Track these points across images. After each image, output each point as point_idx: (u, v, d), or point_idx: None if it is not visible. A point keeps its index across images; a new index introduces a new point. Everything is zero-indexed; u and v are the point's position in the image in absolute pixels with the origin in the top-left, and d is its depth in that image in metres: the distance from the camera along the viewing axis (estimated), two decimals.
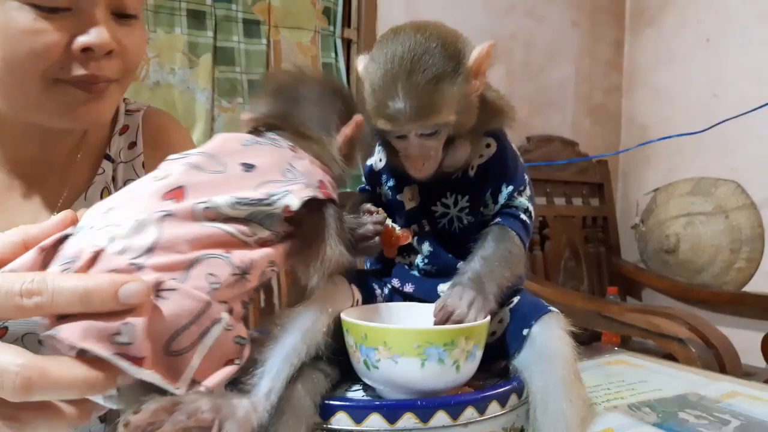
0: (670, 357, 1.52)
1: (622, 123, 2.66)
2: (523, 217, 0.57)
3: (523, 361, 0.52)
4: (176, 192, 0.42)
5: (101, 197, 0.75)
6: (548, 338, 0.51)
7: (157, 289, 0.38)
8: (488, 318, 0.50)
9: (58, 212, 0.71)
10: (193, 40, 1.58)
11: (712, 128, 2.08)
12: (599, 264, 2.40)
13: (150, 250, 0.39)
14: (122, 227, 0.39)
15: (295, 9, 1.74)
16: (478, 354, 0.49)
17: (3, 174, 0.71)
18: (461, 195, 0.58)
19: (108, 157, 0.78)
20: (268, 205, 0.44)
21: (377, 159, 0.64)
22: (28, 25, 0.58)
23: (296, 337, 0.46)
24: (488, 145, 0.58)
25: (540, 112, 2.40)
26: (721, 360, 1.44)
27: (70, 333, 0.37)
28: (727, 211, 2.19)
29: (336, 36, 1.84)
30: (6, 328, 0.66)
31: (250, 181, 0.45)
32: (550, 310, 0.54)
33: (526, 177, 0.59)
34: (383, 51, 0.53)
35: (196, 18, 1.58)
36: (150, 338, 0.37)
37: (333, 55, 1.83)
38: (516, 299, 0.56)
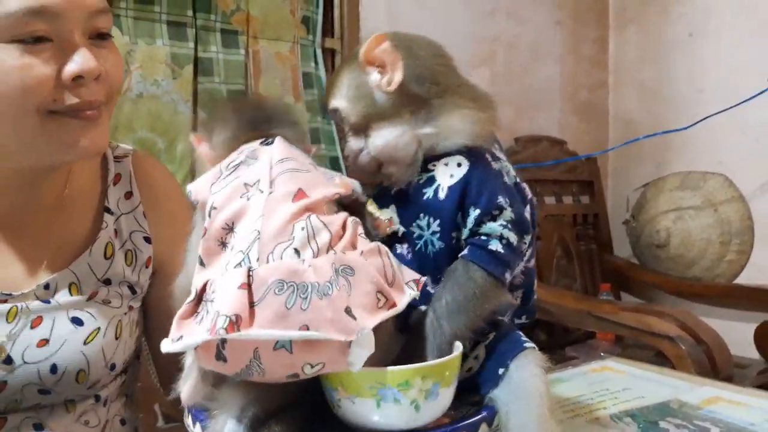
0: (662, 354, 1.53)
1: (609, 119, 2.66)
2: (493, 246, 0.53)
3: (500, 398, 0.51)
4: (300, 194, 0.50)
5: (105, 252, 0.74)
6: (525, 376, 0.51)
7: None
8: (451, 357, 0.49)
9: (46, 263, 0.70)
10: (175, 51, 1.57)
11: (698, 123, 2.08)
12: (591, 261, 2.40)
13: (331, 244, 0.48)
14: (295, 238, 0.46)
15: (273, 19, 1.73)
16: (443, 392, 0.48)
17: None
18: (432, 218, 0.55)
19: (108, 210, 0.77)
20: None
21: None
22: (15, 61, 0.59)
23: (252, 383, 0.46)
24: (459, 165, 0.56)
25: (526, 112, 2.40)
26: (711, 356, 1.44)
27: None
28: (716, 205, 2.19)
29: (316, 45, 1.83)
30: (5, 382, 0.66)
31: (323, 177, 0.55)
32: (525, 347, 0.53)
33: (503, 200, 0.54)
34: None
35: (177, 29, 1.57)
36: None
37: (313, 64, 1.83)
38: (491, 336, 0.55)
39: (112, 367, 0.73)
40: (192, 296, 0.46)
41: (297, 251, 0.46)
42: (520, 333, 0.55)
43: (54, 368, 0.68)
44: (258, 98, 0.66)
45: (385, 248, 0.50)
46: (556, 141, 2.42)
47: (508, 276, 0.53)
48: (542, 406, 0.50)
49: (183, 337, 0.44)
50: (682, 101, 2.35)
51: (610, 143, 2.62)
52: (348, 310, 0.43)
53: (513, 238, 0.53)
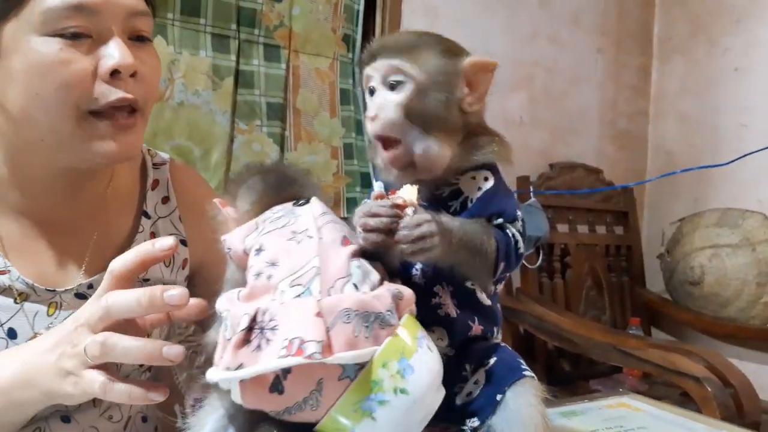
0: (688, 395, 1.48)
1: (648, 149, 2.62)
2: (509, 231, 0.57)
3: (496, 425, 0.51)
4: (346, 240, 0.53)
5: None
6: (521, 405, 0.50)
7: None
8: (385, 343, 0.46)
9: (88, 261, 0.72)
10: (217, 62, 1.61)
11: (739, 159, 2.03)
12: (622, 294, 2.35)
13: (380, 282, 0.50)
14: (353, 275, 0.49)
15: (315, 35, 1.77)
16: (416, 359, 0.46)
17: (27, 223, 0.72)
18: None
19: (145, 214, 0.79)
20: None
21: None
22: (55, 55, 0.61)
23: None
24: (486, 179, 0.60)
25: (563, 138, 2.38)
26: (739, 400, 1.39)
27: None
28: (754, 244, 2.13)
29: (354, 63, 1.86)
30: None
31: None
32: (524, 375, 0.53)
33: (519, 212, 0.60)
34: None
35: (220, 41, 1.62)
36: None
37: (350, 81, 1.86)
38: (492, 360, 0.55)
39: (141, 363, 0.74)
40: (243, 325, 0.45)
41: (356, 286, 0.49)
42: (521, 360, 0.55)
43: None
44: (280, 164, 0.69)
45: None
46: (592, 169, 2.39)
47: (501, 266, 0.56)
48: None
49: (243, 364, 0.43)
50: (724, 135, 2.30)
51: (647, 174, 2.58)
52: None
53: (520, 243, 0.57)
